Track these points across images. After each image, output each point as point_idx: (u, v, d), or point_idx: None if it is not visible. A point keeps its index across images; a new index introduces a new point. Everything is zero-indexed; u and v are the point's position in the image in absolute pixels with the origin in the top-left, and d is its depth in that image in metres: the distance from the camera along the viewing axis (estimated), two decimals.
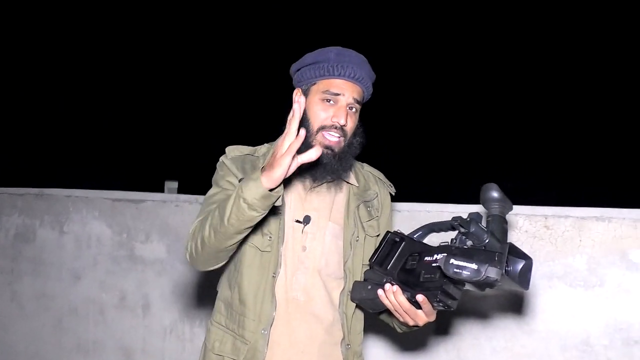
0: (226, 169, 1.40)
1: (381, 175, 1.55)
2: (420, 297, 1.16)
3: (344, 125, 1.34)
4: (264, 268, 1.35)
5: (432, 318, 1.23)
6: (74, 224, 3.11)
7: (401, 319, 1.25)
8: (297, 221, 1.38)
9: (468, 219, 1.15)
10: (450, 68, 12.07)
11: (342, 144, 1.35)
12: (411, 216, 2.28)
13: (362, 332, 1.47)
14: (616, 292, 2.01)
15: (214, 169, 1.46)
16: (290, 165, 1.12)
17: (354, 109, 1.37)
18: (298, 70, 1.42)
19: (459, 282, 1.13)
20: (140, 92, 12.33)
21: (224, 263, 1.36)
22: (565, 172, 10.60)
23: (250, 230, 1.24)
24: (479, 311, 2.19)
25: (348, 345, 1.40)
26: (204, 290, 2.76)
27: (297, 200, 1.40)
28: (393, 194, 1.54)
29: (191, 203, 2.81)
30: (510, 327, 2.14)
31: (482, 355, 2.18)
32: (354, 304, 1.40)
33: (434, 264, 1.16)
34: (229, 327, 1.39)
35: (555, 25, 11.70)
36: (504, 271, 1.06)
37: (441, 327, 2.24)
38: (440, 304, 1.15)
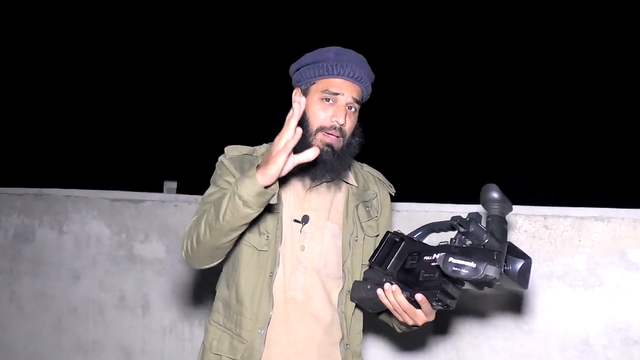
0: (224, 169, 1.40)
1: (381, 176, 1.55)
2: (419, 297, 1.16)
3: (342, 125, 1.34)
4: (261, 267, 1.35)
5: (432, 318, 1.23)
6: (73, 223, 3.11)
7: (400, 319, 1.25)
8: (296, 221, 1.38)
9: (467, 219, 1.15)
10: (450, 68, 12.07)
11: (341, 143, 1.35)
12: (410, 216, 2.28)
13: (362, 333, 1.47)
14: (615, 292, 2.01)
15: (213, 169, 1.45)
16: (285, 163, 1.12)
17: (353, 109, 1.37)
18: (297, 70, 1.42)
19: (458, 281, 1.13)
20: (140, 93, 12.33)
21: (219, 261, 1.36)
22: (565, 172, 10.60)
23: (245, 227, 1.23)
24: (478, 311, 2.19)
25: (347, 345, 1.40)
26: (204, 290, 2.76)
27: (295, 199, 1.40)
28: (393, 194, 1.54)
29: (190, 203, 2.81)
30: (510, 326, 2.14)
31: (481, 354, 2.18)
32: (353, 304, 1.40)
33: (433, 263, 1.16)
34: (227, 327, 1.39)
35: (555, 25, 11.70)
36: (502, 270, 1.06)
37: (440, 326, 2.24)
38: (439, 303, 1.15)
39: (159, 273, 2.89)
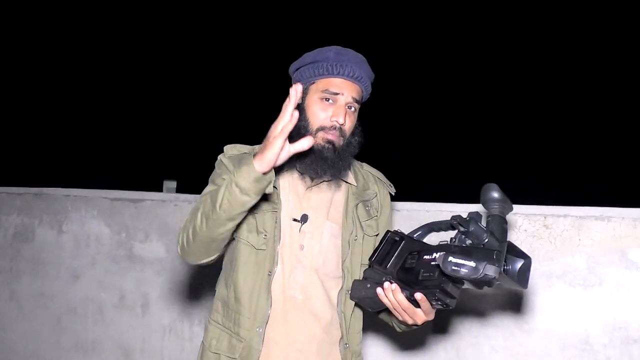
0: (223, 167, 1.40)
1: (381, 175, 1.55)
2: (418, 296, 1.16)
3: (342, 125, 1.34)
4: (259, 266, 1.35)
5: (431, 317, 1.23)
6: (73, 223, 3.11)
7: (400, 318, 1.25)
8: (295, 219, 1.38)
9: (467, 218, 1.15)
10: (449, 68, 12.07)
11: (341, 143, 1.35)
12: (410, 216, 2.28)
13: (361, 332, 1.47)
14: (615, 291, 2.01)
15: (213, 168, 1.46)
16: (282, 148, 1.12)
17: (352, 109, 1.37)
18: (297, 69, 1.42)
19: (457, 281, 1.13)
20: (139, 92, 12.33)
21: (215, 257, 1.36)
22: (565, 172, 10.61)
23: (242, 216, 1.23)
24: (477, 310, 2.19)
25: (346, 344, 1.40)
26: (203, 290, 2.76)
27: (295, 198, 1.40)
28: (393, 193, 1.54)
29: (190, 202, 2.81)
30: (509, 326, 2.14)
31: (480, 354, 2.18)
32: (353, 303, 1.40)
33: (432, 263, 1.16)
34: (226, 325, 1.39)
35: (555, 25, 11.70)
36: (502, 270, 1.06)
37: (440, 326, 2.24)
38: (439, 303, 1.15)
39: (158, 273, 2.89)
